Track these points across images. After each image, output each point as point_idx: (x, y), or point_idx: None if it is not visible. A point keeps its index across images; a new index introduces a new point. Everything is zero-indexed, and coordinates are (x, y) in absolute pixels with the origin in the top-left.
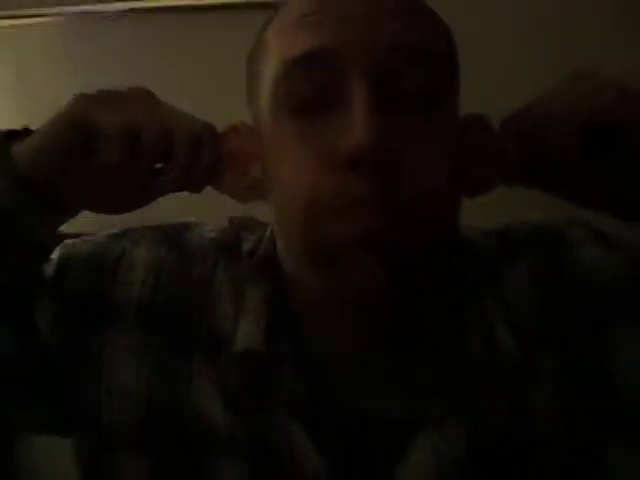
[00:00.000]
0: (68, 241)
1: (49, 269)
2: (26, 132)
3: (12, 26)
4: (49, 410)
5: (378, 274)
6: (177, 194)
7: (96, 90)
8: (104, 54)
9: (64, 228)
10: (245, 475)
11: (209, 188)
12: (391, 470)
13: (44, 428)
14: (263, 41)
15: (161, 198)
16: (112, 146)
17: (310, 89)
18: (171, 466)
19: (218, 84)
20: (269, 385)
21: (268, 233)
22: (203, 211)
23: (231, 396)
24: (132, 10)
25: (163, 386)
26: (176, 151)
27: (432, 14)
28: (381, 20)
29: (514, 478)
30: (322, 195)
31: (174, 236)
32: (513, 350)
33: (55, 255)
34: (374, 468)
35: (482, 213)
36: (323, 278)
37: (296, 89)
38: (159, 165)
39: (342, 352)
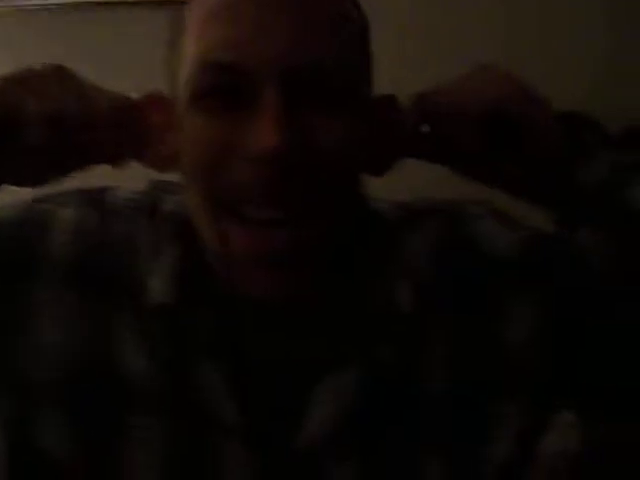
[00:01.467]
0: None
1: None
2: None
3: None
4: None
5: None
6: None
7: (13, 71)
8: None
9: None
10: (165, 428)
11: None
12: (297, 421)
13: None
14: (183, 21)
15: None
16: (34, 129)
17: (222, 90)
18: (93, 423)
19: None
20: (186, 335)
21: None
22: None
23: (152, 345)
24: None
25: (88, 339)
26: (99, 124)
27: (347, 16)
28: (293, 34)
29: (398, 429)
30: (223, 184)
31: (97, 198)
32: (409, 308)
33: None
34: (282, 418)
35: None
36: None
37: (209, 87)
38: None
39: (252, 307)
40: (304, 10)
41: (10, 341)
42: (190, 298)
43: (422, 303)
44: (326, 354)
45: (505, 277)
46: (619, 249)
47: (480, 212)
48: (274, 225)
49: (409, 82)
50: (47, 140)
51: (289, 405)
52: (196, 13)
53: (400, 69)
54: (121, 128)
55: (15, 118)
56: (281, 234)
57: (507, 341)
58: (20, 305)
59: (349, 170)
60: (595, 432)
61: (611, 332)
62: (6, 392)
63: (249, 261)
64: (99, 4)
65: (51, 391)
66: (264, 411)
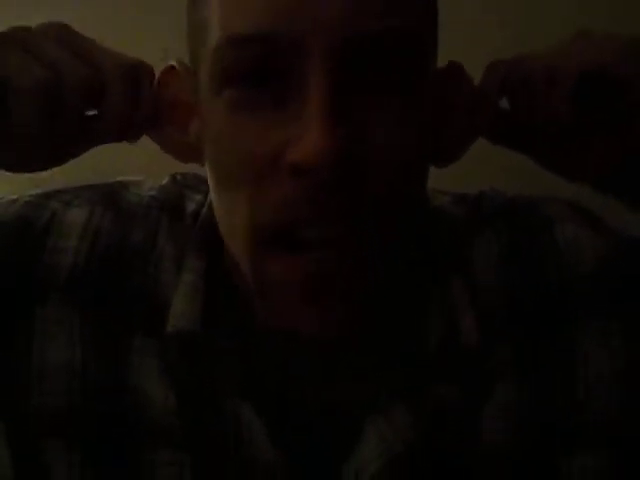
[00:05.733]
0: None
1: None
2: None
3: None
4: None
5: (328, 319)
6: None
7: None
8: None
9: None
10: (186, 466)
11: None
12: (341, 464)
13: None
14: None
15: None
16: (26, 103)
17: (254, 75)
18: (104, 455)
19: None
20: (213, 364)
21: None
22: None
23: (173, 374)
24: None
25: (101, 364)
26: (109, 92)
27: None
28: None
29: (460, 476)
30: (269, 203)
31: (110, 196)
32: (476, 344)
33: None
34: (326, 459)
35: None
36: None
37: (237, 72)
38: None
39: (288, 339)
40: None
41: (11, 364)
42: (216, 324)
43: (489, 333)
44: (374, 389)
45: (589, 298)
46: None
47: (561, 213)
48: (327, 247)
49: None
50: (42, 115)
51: (332, 445)
52: None
53: None
54: (134, 99)
55: (1, 88)
56: (334, 257)
57: (583, 378)
58: (22, 321)
59: (416, 166)
60: None
61: None
62: (7, 415)
63: (293, 293)
64: None
65: (56, 418)
66: (305, 450)
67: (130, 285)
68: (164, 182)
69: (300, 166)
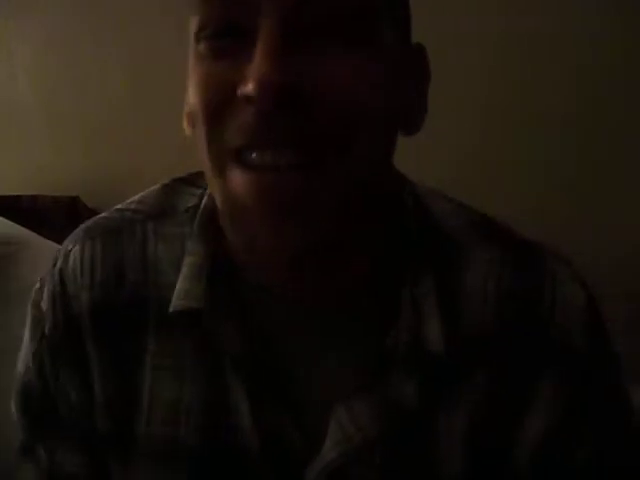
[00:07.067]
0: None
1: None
2: None
3: None
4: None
5: (289, 236)
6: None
7: None
8: None
9: None
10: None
11: None
12: (306, 454)
13: None
14: None
15: None
16: None
17: (221, 30)
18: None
19: None
20: (217, 345)
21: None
22: None
23: (179, 361)
24: None
25: (123, 377)
26: None
27: None
28: None
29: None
30: (227, 129)
31: (93, 225)
32: (440, 351)
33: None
34: (294, 444)
35: None
36: (237, 233)
37: (208, 27)
38: None
39: (277, 314)
40: None
41: (75, 400)
42: (217, 299)
43: (458, 348)
44: (348, 373)
45: (560, 370)
46: None
47: (564, 274)
48: (279, 171)
49: None
50: None
51: (301, 431)
52: None
53: None
54: None
55: None
56: (286, 180)
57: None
58: (69, 368)
59: (371, 116)
60: None
61: None
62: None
63: (255, 213)
64: None
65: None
66: (277, 437)
67: (135, 299)
68: (150, 189)
69: (247, 95)
